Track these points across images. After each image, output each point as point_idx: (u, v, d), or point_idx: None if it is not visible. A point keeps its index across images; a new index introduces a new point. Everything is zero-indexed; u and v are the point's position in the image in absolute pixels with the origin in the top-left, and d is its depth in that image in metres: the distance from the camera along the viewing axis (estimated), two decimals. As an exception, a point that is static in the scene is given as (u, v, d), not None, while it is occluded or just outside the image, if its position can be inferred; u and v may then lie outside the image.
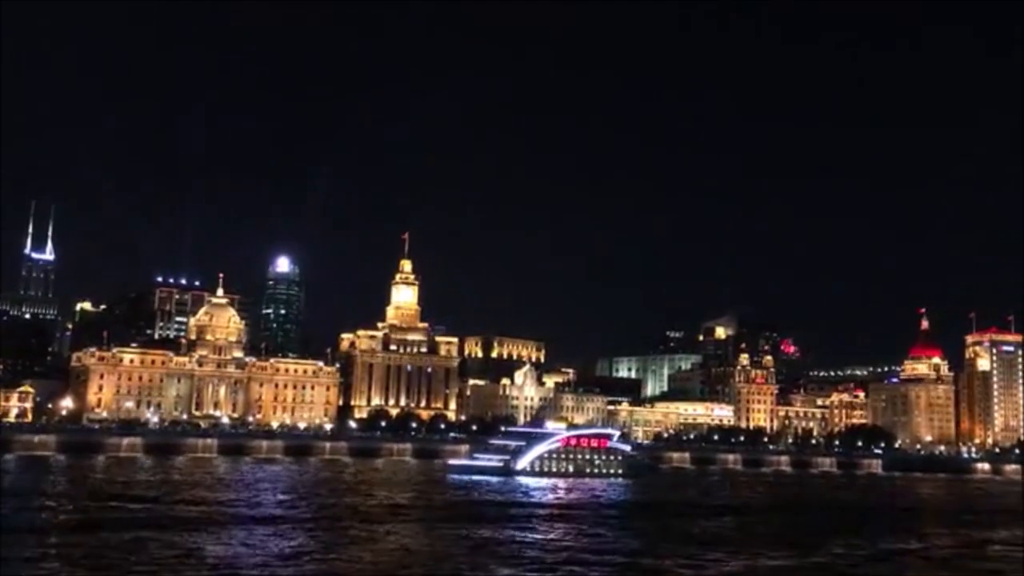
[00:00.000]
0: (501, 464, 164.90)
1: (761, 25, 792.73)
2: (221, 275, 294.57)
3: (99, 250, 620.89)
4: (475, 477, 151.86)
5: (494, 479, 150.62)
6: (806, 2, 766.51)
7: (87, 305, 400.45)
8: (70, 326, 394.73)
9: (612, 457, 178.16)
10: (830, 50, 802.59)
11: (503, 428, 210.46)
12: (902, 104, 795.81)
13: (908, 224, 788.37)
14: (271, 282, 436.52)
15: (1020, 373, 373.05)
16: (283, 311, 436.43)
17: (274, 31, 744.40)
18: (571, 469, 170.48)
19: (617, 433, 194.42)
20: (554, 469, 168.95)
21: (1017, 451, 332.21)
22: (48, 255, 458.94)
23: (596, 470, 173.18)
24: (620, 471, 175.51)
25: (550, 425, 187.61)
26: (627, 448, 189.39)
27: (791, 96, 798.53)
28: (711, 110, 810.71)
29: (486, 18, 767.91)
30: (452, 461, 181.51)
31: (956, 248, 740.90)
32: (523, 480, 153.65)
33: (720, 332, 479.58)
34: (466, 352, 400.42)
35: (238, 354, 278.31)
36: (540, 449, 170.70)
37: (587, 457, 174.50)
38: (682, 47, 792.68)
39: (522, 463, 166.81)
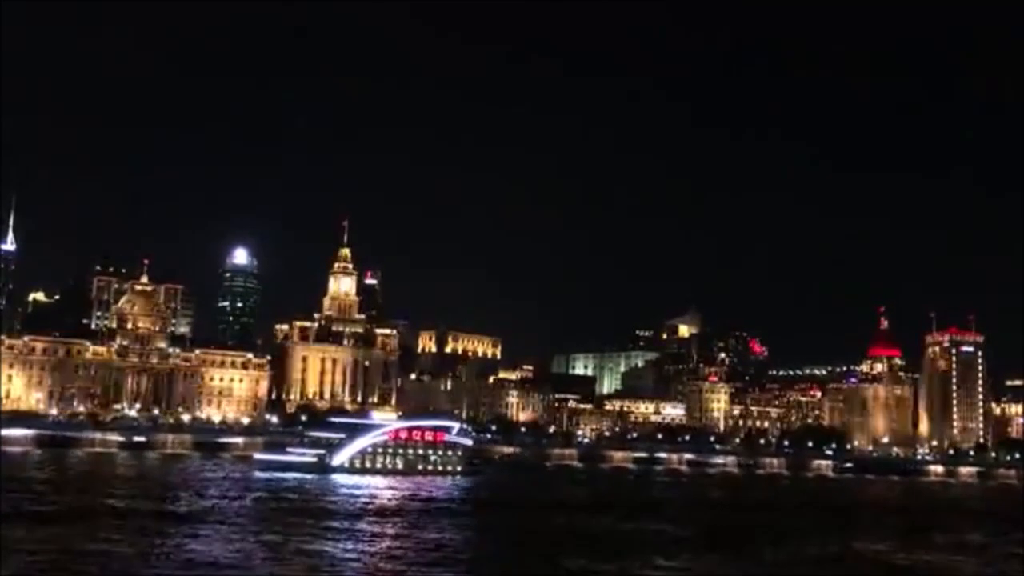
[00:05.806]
0: (315, 460, 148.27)
1: (724, 36, 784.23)
2: (146, 261, 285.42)
3: (63, 240, 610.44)
4: (283, 474, 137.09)
5: (306, 476, 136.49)
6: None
7: (40, 295, 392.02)
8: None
9: (450, 453, 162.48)
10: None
11: (329, 419, 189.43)
12: (856, 105, 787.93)
13: (873, 221, 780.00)
14: (228, 274, 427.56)
15: (980, 374, 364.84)
16: (240, 304, 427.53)
17: (231, 20, 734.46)
18: (400, 465, 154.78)
19: (457, 426, 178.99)
20: (379, 465, 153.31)
21: (972, 453, 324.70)
22: (9, 245, 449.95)
23: (431, 467, 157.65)
24: (459, 468, 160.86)
25: (377, 416, 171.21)
26: (468, 442, 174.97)
27: (752, 99, 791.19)
28: (679, 110, 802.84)
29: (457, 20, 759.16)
30: (258, 455, 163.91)
31: (919, 246, 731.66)
32: (339, 478, 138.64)
33: (683, 330, 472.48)
34: (420, 347, 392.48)
35: (161, 344, 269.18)
36: (363, 443, 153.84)
37: (420, 452, 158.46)
38: (645, 51, 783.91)
39: (339, 458, 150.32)
